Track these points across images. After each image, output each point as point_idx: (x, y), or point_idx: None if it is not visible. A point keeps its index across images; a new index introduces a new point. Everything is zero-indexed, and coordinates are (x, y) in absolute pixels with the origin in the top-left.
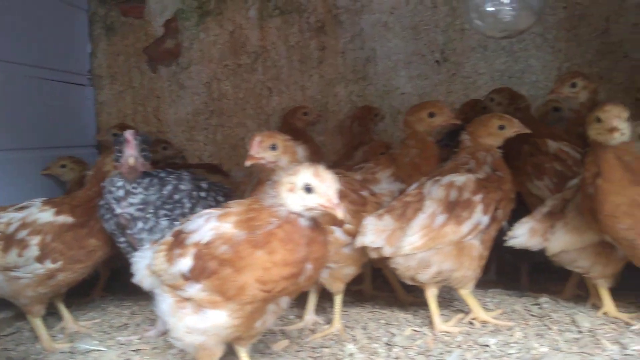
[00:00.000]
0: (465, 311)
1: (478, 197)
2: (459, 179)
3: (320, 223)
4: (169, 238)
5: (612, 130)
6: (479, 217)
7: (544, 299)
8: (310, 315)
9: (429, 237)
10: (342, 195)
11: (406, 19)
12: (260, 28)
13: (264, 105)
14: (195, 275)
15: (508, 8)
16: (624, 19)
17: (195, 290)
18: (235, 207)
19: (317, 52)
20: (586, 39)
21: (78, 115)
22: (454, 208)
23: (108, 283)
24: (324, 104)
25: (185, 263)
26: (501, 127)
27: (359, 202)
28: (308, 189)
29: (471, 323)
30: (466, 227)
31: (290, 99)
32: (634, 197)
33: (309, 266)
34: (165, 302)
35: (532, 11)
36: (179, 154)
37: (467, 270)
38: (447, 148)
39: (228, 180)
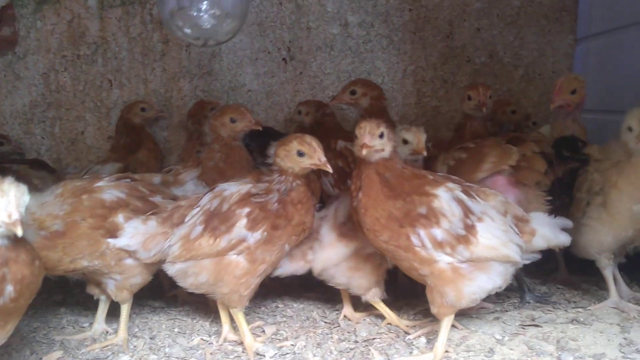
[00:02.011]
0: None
1: (242, 211)
2: (230, 188)
3: (25, 241)
4: None
5: (362, 146)
6: (242, 232)
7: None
8: (99, 325)
9: (184, 248)
10: (123, 204)
11: (251, 15)
12: (100, 18)
13: (104, 98)
14: None
15: (206, 15)
16: (468, 24)
17: None
18: None
19: (160, 45)
20: (431, 41)
21: None
22: (212, 219)
23: None
24: (168, 98)
25: None
26: (300, 154)
27: (146, 210)
28: None
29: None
30: (224, 241)
31: (132, 93)
32: (391, 211)
33: (9, 287)
34: None
35: (233, 17)
36: (18, 150)
37: (226, 288)
38: (249, 149)
39: (53, 176)
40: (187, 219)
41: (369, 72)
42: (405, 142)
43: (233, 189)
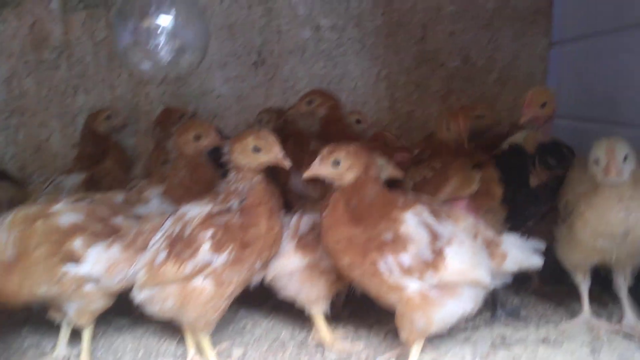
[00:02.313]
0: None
1: (205, 234)
2: (192, 211)
3: None
4: None
5: (311, 171)
6: (207, 256)
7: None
8: (61, 349)
9: (150, 275)
10: (80, 229)
11: (220, 18)
12: (63, 22)
13: (69, 104)
14: None
15: (164, 50)
16: (441, 27)
17: None
18: None
19: None
20: (404, 46)
21: None
22: (176, 245)
23: None
24: (135, 104)
25: None
26: (256, 150)
27: (106, 233)
28: None
29: None
30: (189, 266)
31: (97, 98)
32: (351, 236)
33: None
34: None
35: (193, 50)
36: None
37: (192, 314)
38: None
39: (17, 187)
40: (150, 244)
41: (341, 76)
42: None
43: (194, 211)
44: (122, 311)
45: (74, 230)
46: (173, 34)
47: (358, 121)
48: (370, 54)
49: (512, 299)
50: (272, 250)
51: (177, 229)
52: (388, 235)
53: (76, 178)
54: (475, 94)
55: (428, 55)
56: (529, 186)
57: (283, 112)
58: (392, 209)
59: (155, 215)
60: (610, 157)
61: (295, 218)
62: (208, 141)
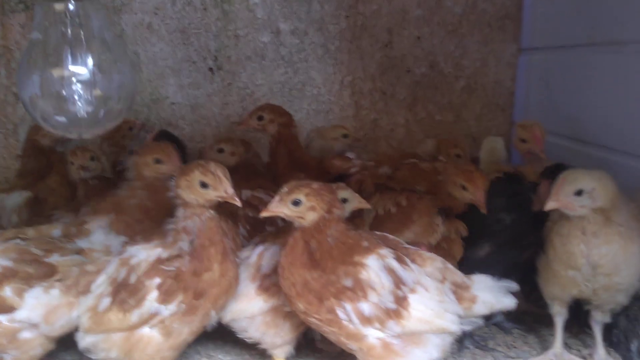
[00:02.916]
0: None
1: (152, 283)
2: (139, 255)
3: None
4: None
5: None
6: (153, 306)
7: None
8: None
9: (93, 322)
10: (10, 274)
11: (173, 21)
12: (1, 24)
13: (9, 113)
14: None
15: (81, 101)
16: (407, 32)
17: None
18: None
19: None
20: (369, 51)
21: None
22: (120, 291)
23: None
24: None
25: None
26: (203, 185)
27: (41, 274)
28: None
29: None
30: (135, 316)
31: None
32: (307, 280)
33: None
34: None
35: (118, 100)
36: None
37: None
38: None
39: None
40: (93, 287)
41: (303, 83)
42: (344, 200)
43: (141, 255)
44: (68, 346)
45: (2, 277)
46: (91, 83)
47: (345, 136)
48: (333, 60)
49: (481, 328)
50: (228, 296)
51: (123, 274)
52: (347, 281)
53: (18, 197)
54: (442, 102)
55: (394, 61)
56: (530, 213)
57: (250, 145)
58: (354, 253)
59: (98, 251)
60: (556, 186)
61: (255, 255)
62: (168, 167)
